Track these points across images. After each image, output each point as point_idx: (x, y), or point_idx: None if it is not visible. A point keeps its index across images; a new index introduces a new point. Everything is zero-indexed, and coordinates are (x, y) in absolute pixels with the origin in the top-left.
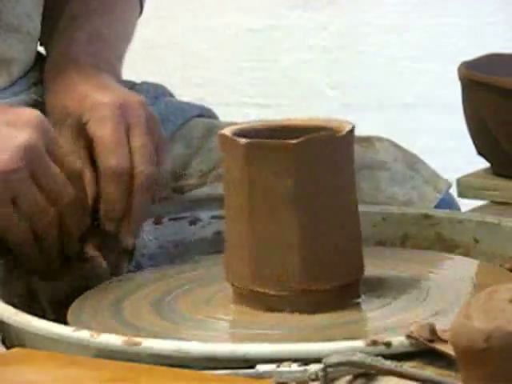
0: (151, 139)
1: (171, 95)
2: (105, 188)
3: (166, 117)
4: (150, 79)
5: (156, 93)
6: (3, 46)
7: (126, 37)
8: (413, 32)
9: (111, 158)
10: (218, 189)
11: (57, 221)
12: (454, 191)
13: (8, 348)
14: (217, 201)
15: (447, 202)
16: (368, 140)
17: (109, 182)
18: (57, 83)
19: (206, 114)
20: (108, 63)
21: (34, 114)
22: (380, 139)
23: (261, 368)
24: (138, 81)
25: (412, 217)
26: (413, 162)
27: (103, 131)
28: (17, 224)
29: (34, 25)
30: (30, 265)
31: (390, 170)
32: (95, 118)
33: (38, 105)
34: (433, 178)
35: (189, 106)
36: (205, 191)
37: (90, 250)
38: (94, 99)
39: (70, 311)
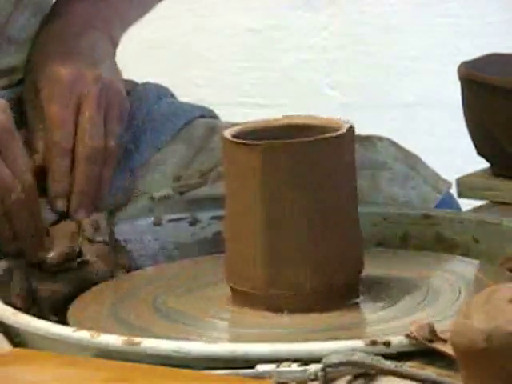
0: (99, 114)
1: (173, 96)
2: (50, 164)
3: (167, 118)
4: (150, 79)
5: (158, 93)
6: (6, 58)
7: (139, 5)
8: (413, 32)
9: (55, 135)
10: (219, 188)
11: (25, 203)
12: (453, 191)
13: (14, 346)
14: (217, 200)
15: (448, 203)
16: (369, 139)
17: (53, 157)
18: (39, 36)
19: (207, 114)
20: (104, 21)
21: (2, 101)
22: (381, 139)
23: (261, 368)
24: (139, 81)
25: (412, 217)
26: (413, 162)
27: (52, 107)
28: None
29: (31, 34)
30: (2, 246)
31: (390, 170)
32: (47, 90)
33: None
34: (433, 178)
35: (191, 106)
36: (205, 191)
37: (88, 254)
38: (52, 67)
39: (69, 311)
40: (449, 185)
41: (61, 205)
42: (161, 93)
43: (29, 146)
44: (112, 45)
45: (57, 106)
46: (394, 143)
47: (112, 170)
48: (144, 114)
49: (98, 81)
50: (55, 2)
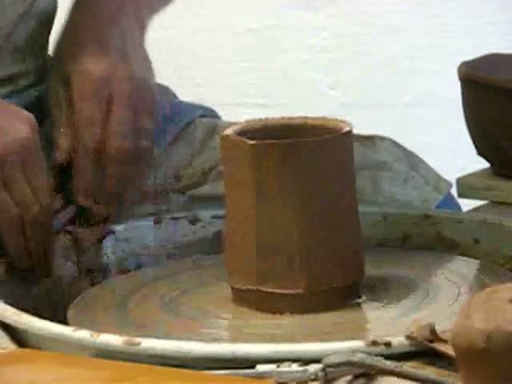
0: (129, 113)
1: (175, 96)
2: (79, 164)
3: (169, 118)
4: None
5: (160, 93)
6: (11, 65)
7: None
8: (413, 32)
9: (84, 135)
10: (219, 187)
11: (40, 224)
12: (453, 191)
13: (20, 347)
14: (217, 199)
15: (449, 203)
16: (370, 139)
17: (82, 158)
18: (68, 21)
19: (208, 114)
20: (135, 8)
21: (31, 117)
22: (382, 139)
23: (261, 368)
24: None
25: (412, 217)
26: (414, 162)
27: (82, 104)
28: (8, 207)
29: (38, 42)
30: (15, 261)
31: (391, 170)
32: (78, 86)
33: (36, 103)
34: (434, 178)
35: (192, 106)
36: (205, 189)
37: None
38: (83, 61)
39: (69, 311)
40: (449, 185)
41: (83, 201)
42: (162, 92)
43: (50, 141)
44: (143, 33)
45: (87, 104)
46: (395, 143)
47: (146, 169)
48: None
49: (129, 79)
50: None
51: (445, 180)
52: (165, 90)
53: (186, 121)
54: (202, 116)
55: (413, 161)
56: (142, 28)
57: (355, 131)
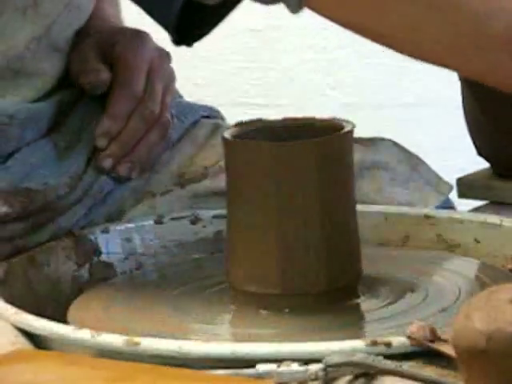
0: (162, 85)
1: (180, 96)
2: (112, 103)
3: (176, 117)
4: None
5: None
6: (45, 65)
7: None
8: None
9: (128, 81)
10: (220, 182)
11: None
12: (453, 191)
13: (39, 348)
14: (218, 195)
15: (446, 205)
16: (371, 140)
17: (118, 99)
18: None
19: (213, 115)
20: None
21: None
22: (383, 140)
23: (261, 368)
24: None
25: (413, 217)
26: (415, 164)
27: (129, 56)
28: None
29: (67, 41)
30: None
31: (391, 170)
32: (124, 42)
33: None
34: (434, 179)
35: (198, 106)
36: (206, 185)
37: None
38: (125, 28)
39: (70, 310)
40: (450, 187)
41: (102, 144)
42: None
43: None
44: None
45: (134, 58)
46: (395, 144)
47: (160, 140)
48: None
49: (166, 57)
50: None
51: (445, 182)
52: None
53: (191, 120)
54: (207, 117)
55: (413, 162)
56: None
57: (355, 131)
